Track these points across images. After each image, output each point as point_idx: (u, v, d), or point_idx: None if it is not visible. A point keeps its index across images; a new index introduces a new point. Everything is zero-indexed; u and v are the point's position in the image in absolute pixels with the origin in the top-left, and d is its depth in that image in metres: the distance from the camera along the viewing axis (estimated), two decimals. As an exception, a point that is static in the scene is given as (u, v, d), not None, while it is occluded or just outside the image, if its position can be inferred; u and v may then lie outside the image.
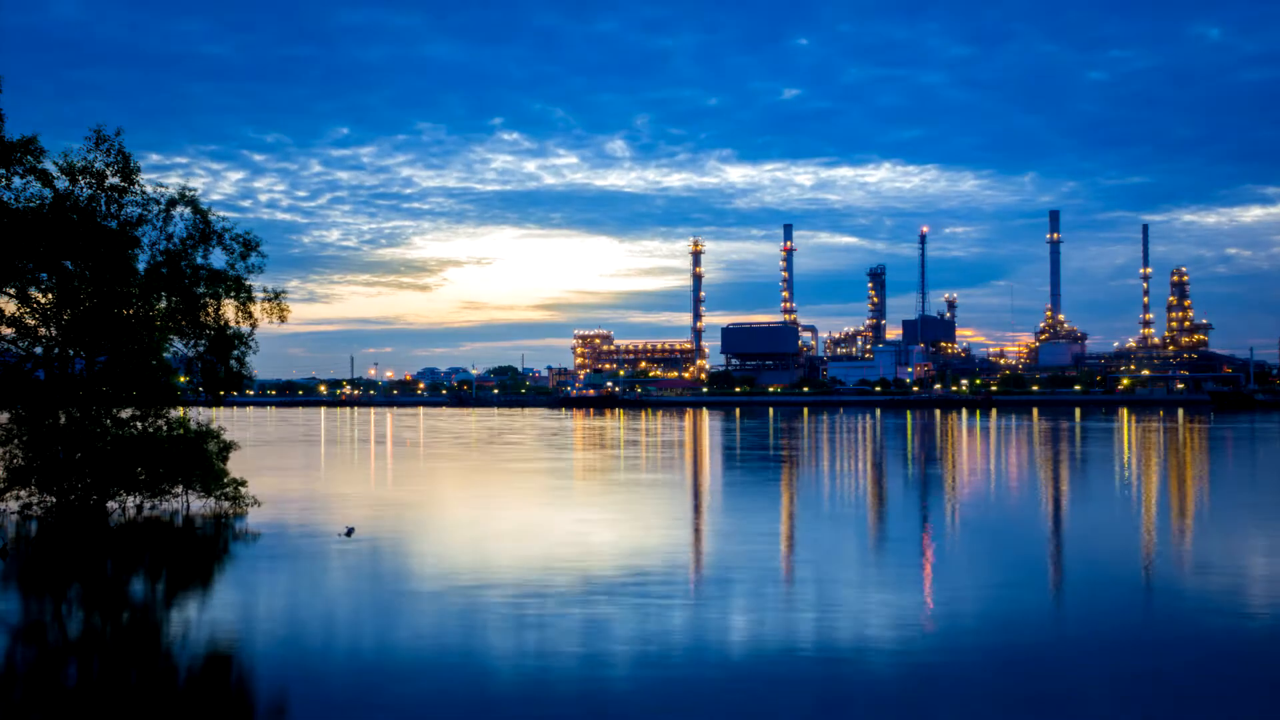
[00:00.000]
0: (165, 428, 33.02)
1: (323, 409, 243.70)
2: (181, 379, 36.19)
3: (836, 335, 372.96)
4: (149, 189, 33.70)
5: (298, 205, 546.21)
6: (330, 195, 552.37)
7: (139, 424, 32.65)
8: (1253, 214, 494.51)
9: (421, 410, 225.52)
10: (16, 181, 30.63)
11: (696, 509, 36.78)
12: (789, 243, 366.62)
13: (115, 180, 32.62)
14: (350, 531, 29.14)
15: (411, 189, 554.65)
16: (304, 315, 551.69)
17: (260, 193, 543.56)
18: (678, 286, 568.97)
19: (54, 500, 31.16)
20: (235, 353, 35.92)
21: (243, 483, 33.82)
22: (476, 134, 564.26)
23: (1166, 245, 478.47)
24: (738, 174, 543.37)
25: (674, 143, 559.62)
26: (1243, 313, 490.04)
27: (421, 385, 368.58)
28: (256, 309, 35.79)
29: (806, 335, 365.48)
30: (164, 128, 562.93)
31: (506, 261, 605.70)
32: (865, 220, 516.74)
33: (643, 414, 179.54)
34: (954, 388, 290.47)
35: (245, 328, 35.73)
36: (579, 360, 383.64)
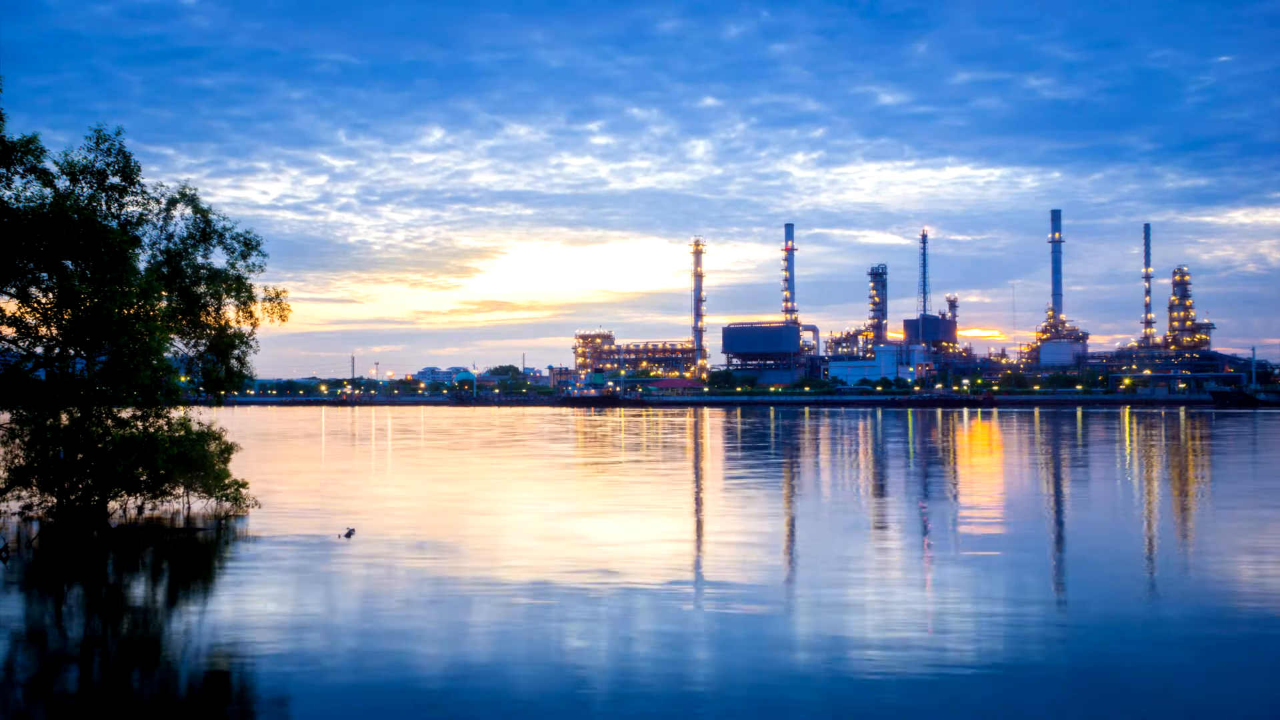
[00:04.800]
0: (166, 428, 32.92)
1: (323, 409, 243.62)
2: (182, 379, 36.08)
3: (838, 335, 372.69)
4: (149, 188, 33.71)
5: (370, 208, 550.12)
6: (402, 199, 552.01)
7: (140, 424, 32.56)
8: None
9: (422, 410, 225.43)
10: (17, 181, 30.55)
11: (698, 509, 36.69)
12: (790, 242, 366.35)
13: (116, 180, 32.61)
14: (350, 533, 29.04)
15: (478, 193, 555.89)
16: (335, 315, 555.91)
17: (336, 197, 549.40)
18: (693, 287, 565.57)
19: (55, 501, 31.06)
20: (236, 352, 35.93)
21: (244, 484, 33.75)
22: (569, 139, 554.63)
23: (1199, 247, 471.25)
24: (801, 176, 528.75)
25: (760, 147, 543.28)
26: (1258, 311, 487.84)
27: (422, 385, 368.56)
28: (257, 309, 35.80)
29: (808, 335, 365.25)
30: (259, 133, 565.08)
31: (550, 262, 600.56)
32: (917, 223, 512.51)
33: (643, 414, 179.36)
34: (955, 387, 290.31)
35: (246, 327, 35.75)
36: (580, 360, 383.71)
